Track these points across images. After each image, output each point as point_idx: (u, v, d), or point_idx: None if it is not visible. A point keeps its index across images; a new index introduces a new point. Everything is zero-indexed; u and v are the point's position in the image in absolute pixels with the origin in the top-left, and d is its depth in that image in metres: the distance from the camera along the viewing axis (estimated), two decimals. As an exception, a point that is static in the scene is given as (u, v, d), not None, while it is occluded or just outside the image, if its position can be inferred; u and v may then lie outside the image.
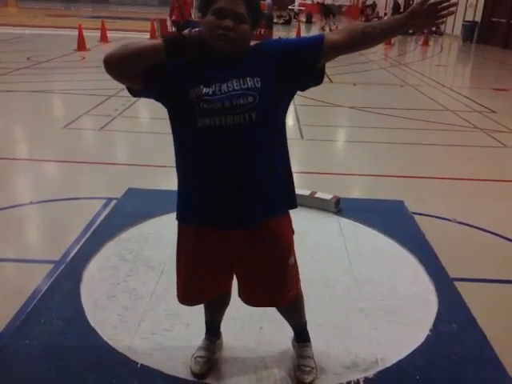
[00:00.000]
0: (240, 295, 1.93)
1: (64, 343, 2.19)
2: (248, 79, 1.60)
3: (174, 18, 10.46)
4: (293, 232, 1.89)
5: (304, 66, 1.65)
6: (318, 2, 20.70)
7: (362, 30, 1.62)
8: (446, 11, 1.57)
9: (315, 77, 1.70)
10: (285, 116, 1.76)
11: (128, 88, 1.67)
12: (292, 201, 1.82)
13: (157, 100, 1.69)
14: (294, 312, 2.07)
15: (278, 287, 1.87)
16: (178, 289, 1.93)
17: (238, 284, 1.91)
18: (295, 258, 1.91)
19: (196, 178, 1.70)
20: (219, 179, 1.67)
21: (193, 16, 10.69)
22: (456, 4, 2.50)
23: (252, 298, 1.93)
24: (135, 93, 1.67)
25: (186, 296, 1.93)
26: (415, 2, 2.36)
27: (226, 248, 1.79)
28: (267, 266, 1.82)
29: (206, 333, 2.16)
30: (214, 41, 1.56)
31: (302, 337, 2.14)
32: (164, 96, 1.66)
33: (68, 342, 2.20)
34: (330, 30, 19.04)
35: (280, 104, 1.70)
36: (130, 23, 18.79)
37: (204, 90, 1.58)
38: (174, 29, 11.43)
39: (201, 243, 1.78)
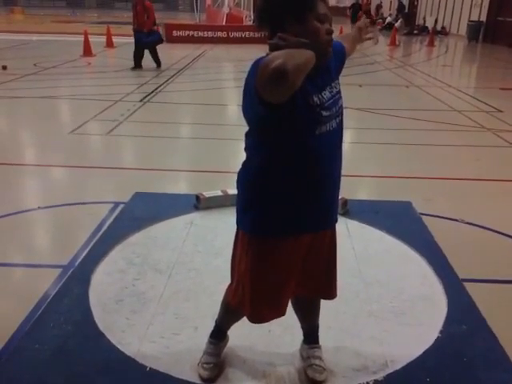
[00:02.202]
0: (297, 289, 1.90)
1: (73, 347, 2.19)
2: (336, 82, 1.70)
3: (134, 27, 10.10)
4: None
5: (342, 66, 1.85)
6: (350, 8, 20.82)
7: (352, 42, 2.06)
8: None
9: None
10: None
11: (265, 106, 1.44)
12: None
13: (274, 115, 1.49)
14: (318, 309, 2.08)
15: (333, 279, 1.94)
16: (255, 308, 1.80)
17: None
18: None
19: (301, 186, 1.64)
20: (329, 183, 1.72)
21: (149, 26, 9.91)
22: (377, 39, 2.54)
23: (312, 288, 1.93)
24: (274, 108, 1.44)
25: (270, 311, 1.83)
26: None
27: (300, 252, 1.78)
28: (324, 265, 1.89)
29: (212, 336, 2.12)
30: (323, 46, 1.55)
31: (312, 339, 2.13)
32: (286, 108, 1.48)
33: (77, 346, 2.20)
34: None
35: None
36: (135, 28, 18.86)
37: (325, 96, 1.60)
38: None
39: (286, 252, 1.73)
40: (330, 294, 1.98)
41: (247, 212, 1.71)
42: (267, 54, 1.43)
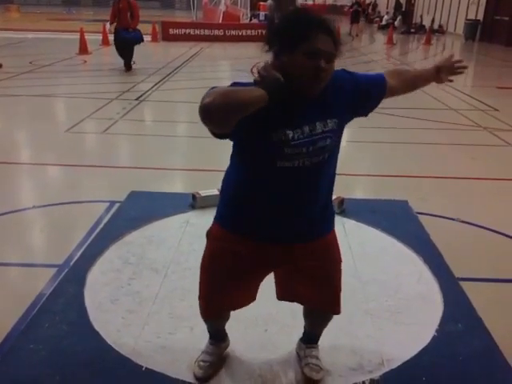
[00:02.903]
0: (298, 296, 1.92)
1: (68, 347, 2.18)
2: (328, 121, 1.59)
3: (115, 25, 9.36)
4: None
5: (367, 105, 1.75)
6: (351, 8, 20.50)
7: (412, 80, 1.91)
8: (460, 70, 1.91)
9: (367, 112, 1.79)
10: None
11: (213, 132, 1.48)
12: (333, 220, 1.88)
13: (236, 140, 1.61)
14: (327, 322, 2.04)
15: (336, 294, 1.90)
16: (204, 300, 1.87)
17: (296, 286, 1.88)
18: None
19: (261, 203, 1.68)
20: (286, 208, 1.68)
21: (131, 24, 9.27)
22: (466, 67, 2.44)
23: (319, 305, 1.93)
24: (220, 136, 1.50)
25: (217, 307, 1.90)
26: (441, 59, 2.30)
27: (263, 261, 1.79)
28: (321, 276, 1.84)
29: (210, 337, 2.14)
30: (305, 82, 1.49)
31: (312, 340, 2.12)
32: (246, 138, 1.55)
33: (72, 346, 2.19)
34: (357, 35, 18.96)
35: (342, 132, 1.71)
36: (131, 26, 18.82)
37: (290, 135, 1.53)
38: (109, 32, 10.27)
39: (244, 253, 1.75)
40: (333, 308, 1.93)
41: (220, 207, 1.81)
42: (254, 81, 1.48)
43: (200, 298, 1.89)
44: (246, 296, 1.89)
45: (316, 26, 1.49)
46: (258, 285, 1.89)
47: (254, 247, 1.74)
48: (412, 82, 1.90)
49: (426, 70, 1.96)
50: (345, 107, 1.65)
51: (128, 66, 9.57)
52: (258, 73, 1.49)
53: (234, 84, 1.50)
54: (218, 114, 1.36)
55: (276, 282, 1.92)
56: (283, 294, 1.94)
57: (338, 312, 1.94)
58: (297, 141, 1.54)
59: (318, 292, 1.85)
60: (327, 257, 1.84)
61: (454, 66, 1.92)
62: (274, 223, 1.71)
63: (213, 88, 1.42)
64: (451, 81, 1.95)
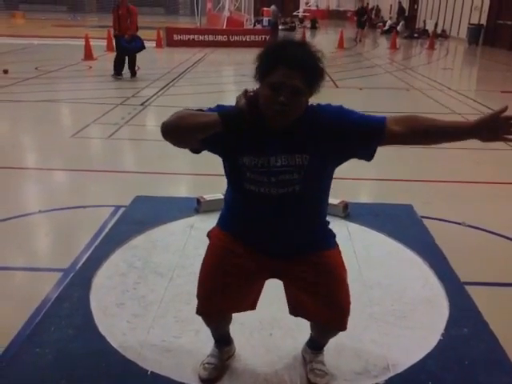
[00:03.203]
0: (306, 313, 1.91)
1: (74, 351, 2.19)
2: (297, 156, 1.58)
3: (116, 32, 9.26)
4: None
5: (357, 147, 1.64)
6: (356, 12, 20.47)
7: (425, 129, 1.59)
8: None
9: (365, 155, 1.66)
10: (333, 171, 1.73)
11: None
12: (332, 239, 1.86)
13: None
14: (333, 335, 2.03)
15: (340, 311, 1.87)
16: (200, 297, 1.90)
17: (301, 303, 1.88)
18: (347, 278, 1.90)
19: (244, 216, 1.77)
20: (265, 228, 1.74)
21: (131, 31, 9.18)
22: None
23: (324, 320, 1.91)
24: (195, 150, 1.69)
25: (209, 304, 1.89)
26: (486, 113, 2.06)
27: (262, 267, 1.82)
28: (320, 287, 1.82)
29: (215, 342, 2.15)
30: (270, 115, 1.53)
31: (317, 347, 2.12)
32: (221, 156, 1.72)
33: (78, 350, 2.20)
34: (360, 40, 18.87)
35: (327, 170, 1.69)
36: (136, 32, 18.94)
37: (253, 162, 1.60)
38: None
39: (240, 253, 1.81)
40: (338, 325, 1.91)
41: (222, 209, 1.90)
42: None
43: (197, 295, 1.91)
44: (241, 299, 1.89)
45: (283, 60, 1.49)
46: (255, 292, 1.89)
47: (248, 251, 1.80)
48: (426, 132, 1.61)
49: (462, 121, 1.68)
50: (321, 144, 1.59)
51: (133, 73, 9.58)
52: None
53: (218, 106, 1.62)
54: (171, 134, 1.57)
55: (286, 298, 1.94)
56: (292, 309, 1.94)
57: (343, 329, 1.92)
58: (258, 168, 1.60)
59: (322, 309, 1.84)
60: (326, 274, 1.81)
61: (507, 123, 1.53)
62: (257, 237, 1.78)
63: (184, 109, 1.58)
64: (507, 140, 1.55)
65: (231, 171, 1.70)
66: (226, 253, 1.83)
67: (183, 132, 1.55)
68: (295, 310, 1.93)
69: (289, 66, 1.49)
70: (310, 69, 1.52)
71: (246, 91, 1.57)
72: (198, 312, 1.93)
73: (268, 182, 1.62)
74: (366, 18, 19.96)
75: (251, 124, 1.54)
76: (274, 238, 1.76)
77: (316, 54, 1.56)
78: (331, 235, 1.87)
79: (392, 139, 1.59)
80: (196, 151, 1.69)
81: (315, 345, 2.12)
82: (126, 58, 9.41)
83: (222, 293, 1.85)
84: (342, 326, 1.91)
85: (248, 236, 1.80)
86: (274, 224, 1.72)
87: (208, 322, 2.02)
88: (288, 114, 1.52)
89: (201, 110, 1.61)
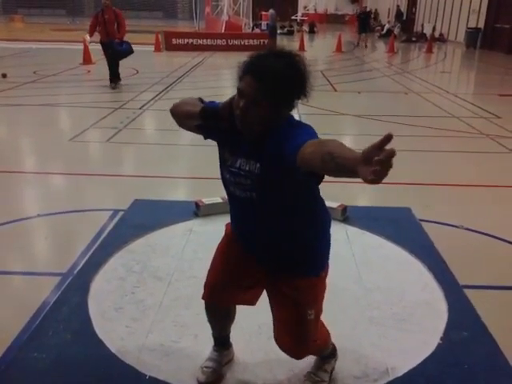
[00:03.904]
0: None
1: (72, 356, 2.18)
2: (251, 163, 1.63)
3: (99, 38, 8.82)
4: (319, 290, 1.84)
5: (291, 170, 1.45)
6: (357, 16, 19.97)
7: (321, 157, 1.27)
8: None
9: (310, 178, 1.45)
10: (307, 192, 1.68)
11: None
12: (314, 267, 1.78)
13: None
14: (316, 355, 2.05)
15: (300, 340, 1.83)
16: (206, 285, 1.97)
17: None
18: (317, 314, 1.85)
19: (231, 211, 1.86)
20: (240, 224, 1.83)
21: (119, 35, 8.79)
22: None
23: (276, 338, 1.91)
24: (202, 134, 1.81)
25: (212, 291, 1.95)
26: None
27: (251, 267, 1.85)
28: (284, 315, 1.83)
29: (214, 344, 2.15)
30: (236, 118, 1.58)
31: (325, 354, 2.10)
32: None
33: (76, 355, 2.19)
34: (366, 46, 18.49)
35: (288, 186, 1.60)
36: (134, 36, 18.87)
37: (228, 160, 1.70)
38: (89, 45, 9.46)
39: (236, 247, 1.89)
40: (289, 353, 1.89)
41: None
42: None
43: (204, 283, 1.97)
44: (242, 292, 1.90)
45: (251, 69, 1.54)
46: (255, 287, 1.90)
47: (240, 251, 1.87)
48: (322, 161, 1.27)
49: (351, 153, 1.26)
50: (273, 158, 1.53)
51: (117, 78, 9.09)
52: None
53: (211, 102, 1.76)
54: (172, 116, 1.82)
55: None
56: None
57: (296, 358, 1.91)
58: (228, 167, 1.69)
59: (279, 332, 1.86)
60: (290, 303, 1.78)
61: (378, 158, 1.16)
62: (240, 237, 1.86)
63: (188, 98, 1.80)
64: (374, 181, 1.19)
65: (219, 163, 1.77)
66: (229, 246, 1.91)
67: (177, 117, 1.80)
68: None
69: (253, 75, 1.52)
70: (275, 81, 1.51)
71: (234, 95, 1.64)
72: (203, 298, 1.98)
73: (233, 182, 1.69)
74: (368, 22, 19.69)
75: (227, 122, 1.63)
76: (248, 242, 1.83)
77: (294, 67, 1.55)
78: (315, 263, 1.78)
79: (304, 165, 1.37)
80: (201, 135, 1.81)
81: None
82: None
83: (224, 283, 1.90)
84: (295, 356, 1.91)
85: (235, 233, 1.88)
86: (244, 228, 1.82)
87: (211, 312, 2.03)
88: (244, 120, 1.55)
89: (201, 99, 1.78)
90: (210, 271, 1.96)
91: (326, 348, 2.05)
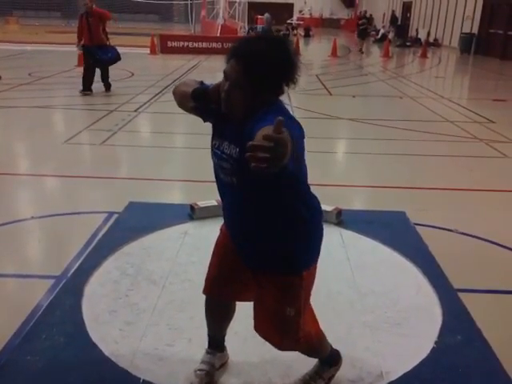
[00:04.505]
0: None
1: (65, 359, 2.17)
2: (232, 147, 1.63)
3: (83, 42, 8.22)
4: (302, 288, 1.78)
5: None
6: (357, 23, 19.57)
7: None
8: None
9: None
10: (288, 183, 1.61)
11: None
12: (294, 267, 1.73)
13: None
14: (306, 354, 2.02)
15: (280, 331, 1.83)
16: (206, 280, 1.99)
17: None
18: (298, 311, 1.79)
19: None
20: (225, 212, 1.82)
21: (104, 39, 8.29)
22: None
23: (255, 326, 1.89)
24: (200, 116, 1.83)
25: (212, 285, 1.96)
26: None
27: (230, 259, 1.87)
28: (263, 307, 1.81)
29: (208, 346, 2.13)
30: (221, 101, 1.60)
31: (323, 360, 2.09)
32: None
33: (69, 358, 2.17)
34: (362, 52, 18.08)
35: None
36: (130, 39, 18.91)
37: (214, 141, 1.73)
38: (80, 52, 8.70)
39: (223, 243, 1.92)
40: (275, 342, 1.88)
41: None
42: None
43: (205, 278, 1.99)
44: (242, 287, 1.90)
45: (235, 53, 1.57)
46: (251, 284, 1.86)
47: (229, 245, 1.87)
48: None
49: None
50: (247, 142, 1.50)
51: (108, 86, 8.67)
52: None
53: (210, 85, 1.75)
54: (174, 96, 1.85)
55: None
56: None
57: (277, 348, 1.91)
58: (215, 149, 1.71)
59: (257, 317, 1.85)
60: (268, 297, 1.77)
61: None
62: (227, 226, 1.86)
63: (189, 79, 1.86)
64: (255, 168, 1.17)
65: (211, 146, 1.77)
66: (226, 239, 1.89)
67: (177, 96, 1.83)
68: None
69: (237, 58, 1.55)
70: (259, 64, 1.52)
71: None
72: (203, 291, 2.00)
73: (217, 164, 1.71)
74: (367, 28, 19.45)
75: (216, 104, 1.64)
76: (232, 232, 1.83)
77: (280, 51, 1.55)
78: (295, 262, 1.73)
79: None
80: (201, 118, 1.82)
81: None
82: (97, 70, 8.44)
83: (223, 276, 1.91)
84: (276, 347, 1.91)
85: (224, 222, 1.88)
86: (229, 216, 1.81)
87: (211, 308, 2.02)
88: (228, 102, 1.58)
89: (202, 82, 1.81)
90: (209, 266, 1.98)
91: (314, 349, 1.99)
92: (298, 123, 1.54)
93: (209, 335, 2.12)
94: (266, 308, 1.80)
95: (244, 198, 1.69)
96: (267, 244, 1.73)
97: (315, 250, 1.79)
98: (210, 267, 1.98)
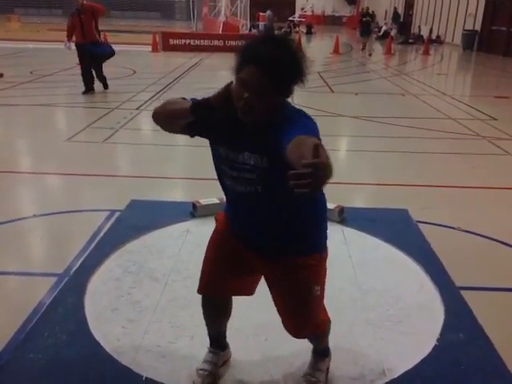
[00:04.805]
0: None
1: (68, 356, 2.17)
2: (256, 156, 1.59)
3: (74, 40, 8.11)
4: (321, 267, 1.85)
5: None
6: (360, 20, 19.22)
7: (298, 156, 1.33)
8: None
9: None
10: None
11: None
12: (316, 246, 1.81)
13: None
14: (314, 341, 2.05)
15: (300, 320, 1.86)
16: (201, 277, 1.97)
17: None
18: (322, 290, 1.86)
19: (227, 202, 1.86)
20: (238, 216, 1.81)
21: (97, 36, 8.15)
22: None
23: (284, 324, 1.91)
24: (188, 134, 1.76)
25: (207, 283, 1.95)
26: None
27: (246, 257, 1.85)
28: (288, 296, 1.84)
29: (210, 345, 2.14)
30: (238, 110, 1.54)
31: (314, 350, 2.11)
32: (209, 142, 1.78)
33: (72, 356, 2.18)
34: (370, 54, 17.32)
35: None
36: (132, 36, 18.94)
37: (223, 154, 1.68)
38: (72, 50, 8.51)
39: (228, 237, 1.89)
40: (291, 333, 1.90)
41: None
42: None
43: (200, 277, 1.97)
44: (238, 281, 1.91)
45: (254, 58, 1.50)
46: (250, 278, 1.92)
47: (230, 240, 1.87)
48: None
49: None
50: (275, 148, 1.49)
51: (105, 84, 8.56)
52: None
53: (192, 99, 1.65)
54: (157, 120, 1.72)
55: None
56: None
57: (298, 337, 1.93)
58: (226, 161, 1.67)
59: (282, 313, 1.87)
60: (291, 282, 1.80)
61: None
62: (236, 228, 1.85)
63: (171, 98, 1.71)
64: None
65: (213, 157, 1.75)
66: (222, 237, 1.90)
67: (164, 118, 1.70)
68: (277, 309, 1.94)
69: (258, 64, 1.49)
70: (281, 69, 1.50)
71: (229, 83, 1.59)
72: (198, 291, 1.98)
73: (231, 177, 1.68)
74: (370, 24, 19.17)
75: (222, 112, 1.57)
76: (247, 233, 1.81)
77: (293, 53, 1.54)
78: (313, 241, 1.81)
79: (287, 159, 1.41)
80: (189, 135, 1.75)
81: (313, 348, 2.11)
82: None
83: (218, 273, 1.91)
84: (298, 335, 1.92)
85: (232, 224, 1.87)
86: (244, 219, 1.79)
87: (208, 307, 2.02)
88: (250, 111, 1.53)
89: (184, 98, 1.69)
90: (203, 264, 1.96)
91: (325, 335, 2.03)
92: (312, 120, 1.57)
93: (209, 334, 2.12)
94: (294, 291, 1.81)
95: (269, 201, 1.68)
96: (292, 233, 1.76)
97: (326, 233, 1.88)
98: (204, 265, 1.96)
